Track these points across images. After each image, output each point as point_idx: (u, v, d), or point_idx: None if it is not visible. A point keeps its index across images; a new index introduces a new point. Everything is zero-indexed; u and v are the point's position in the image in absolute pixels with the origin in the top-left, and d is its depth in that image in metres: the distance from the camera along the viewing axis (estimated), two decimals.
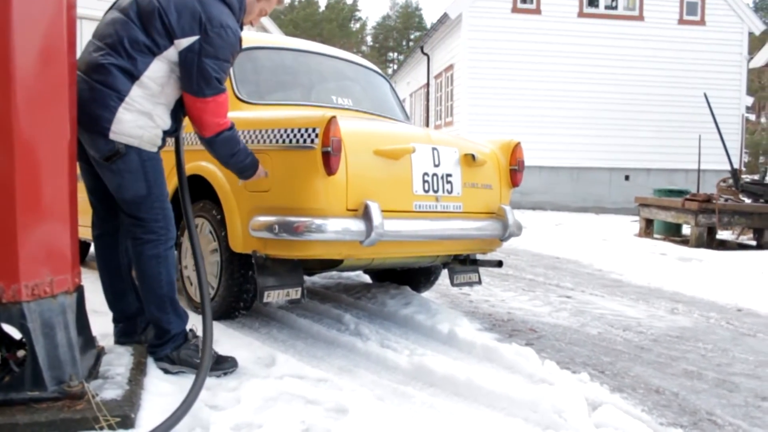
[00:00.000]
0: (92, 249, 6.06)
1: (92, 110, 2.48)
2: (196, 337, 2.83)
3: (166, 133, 2.71)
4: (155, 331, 2.80)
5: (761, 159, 33.62)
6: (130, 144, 2.57)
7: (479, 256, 4.31)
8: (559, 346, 3.76)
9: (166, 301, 2.73)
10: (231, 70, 3.81)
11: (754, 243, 9.84)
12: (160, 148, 2.73)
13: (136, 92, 2.54)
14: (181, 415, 2.21)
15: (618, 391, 3.01)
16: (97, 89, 2.49)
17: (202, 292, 2.73)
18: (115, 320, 2.98)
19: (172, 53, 2.58)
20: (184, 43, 2.56)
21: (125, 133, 2.54)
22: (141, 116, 2.57)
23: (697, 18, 17.88)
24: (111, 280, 2.93)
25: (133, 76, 2.53)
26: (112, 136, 2.53)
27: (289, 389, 2.62)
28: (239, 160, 2.89)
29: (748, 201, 10.18)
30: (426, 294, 4.79)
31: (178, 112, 2.72)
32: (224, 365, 2.81)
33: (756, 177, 16.08)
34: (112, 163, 2.60)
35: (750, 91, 23.03)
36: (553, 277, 6.36)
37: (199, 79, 2.58)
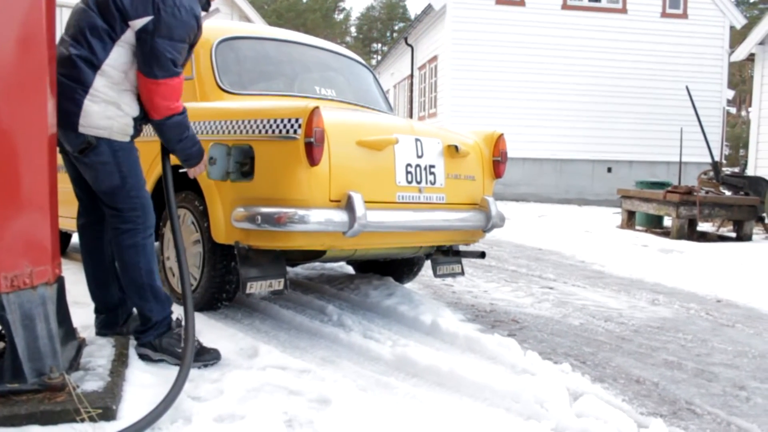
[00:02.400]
0: (74, 240, 6.02)
1: (60, 105, 2.46)
2: (180, 326, 2.82)
3: (138, 120, 2.68)
4: (140, 319, 2.81)
5: (741, 152, 33.90)
6: (101, 136, 2.56)
7: (462, 247, 4.32)
8: (541, 337, 3.78)
9: (146, 290, 2.73)
10: (213, 60, 3.80)
11: (733, 235, 9.94)
12: (133, 136, 2.70)
13: (99, 82, 2.52)
14: (164, 410, 2.20)
15: (599, 381, 3.04)
16: (64, 83, 2.48)
17: (184, 286, 2.71)
18: (97, 311, 2.96)
19: (129, 36, 2.55)
20: (138, 24, 2.52)
21: (94, 125, 2.53)
22: (108, 106, 2.55)
23: (680, 11, 17.97)
24: (94, 271, 2.92)
25: (94, 66, 2.51)
26: (81, 129, 2.51)
27: (271, 380, 2.61)
28: (187, 146, 2.80)
29: (728, 193, 10.28)
30: (409, 285, 4.80)
31: None
32: (205, 357, 2.80)
33: (736, 170, 16.25)
34: (85, 156, 2.59)
35: (731, 85, 23.24)
36: (535, 269, 6.39)
37: (150, 59, 2.54)
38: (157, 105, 2.62)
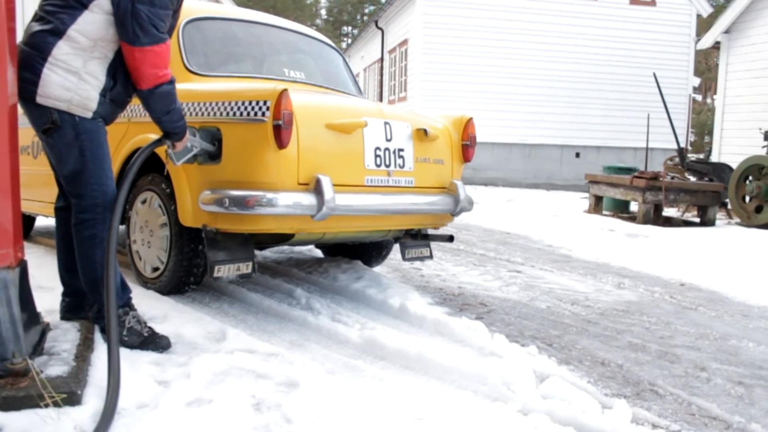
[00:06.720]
0: (37, 224, 5.93)
1: (20, 75, 2.41)
2: (127, 314, 2.76)
3: (105, 94, 2.58)
4: (97, 306, 2.78)
5: (706, 139, 34.39)
6: (60, 108, 2.48)
7: (431, 231, 4.34)
8: (509, 320, 3.81)
9: (100, 284, 2.67)
10: (180, 41, 3.74)
11: (698, 220, 10.12)
12: (102, 116, 2.61)
13: (62, 48, 2.44)
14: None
15: (565, 363, 3.08)
16: (25, 52, 2.43)
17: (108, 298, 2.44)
18: (64, 294, 2.91)
19: (104, 2, 2.48)
20: None
21: (52, 96, 2.45)
22: (69, 76, 2.47)
23: None
24: (65, 256, 2.85)
25: (58, 32, 2.45)
26: (39, 100, 2.44)
27: (239, 364, 2.60)
28: (173, 119, 2.74)
29: (693, 179, 10.44)
30: (377, 268, 4.80)
31: (118, 69, 2.59)
32: (150, 346, 2.73)
33: (701, 156, 16.48)
34: (49, 136, 2.53)
35: (697, 72, 23.50)
36: (503, 252, 6.44)
37: (134, 25, 2.48)
38: (145, 74, 2.56)
